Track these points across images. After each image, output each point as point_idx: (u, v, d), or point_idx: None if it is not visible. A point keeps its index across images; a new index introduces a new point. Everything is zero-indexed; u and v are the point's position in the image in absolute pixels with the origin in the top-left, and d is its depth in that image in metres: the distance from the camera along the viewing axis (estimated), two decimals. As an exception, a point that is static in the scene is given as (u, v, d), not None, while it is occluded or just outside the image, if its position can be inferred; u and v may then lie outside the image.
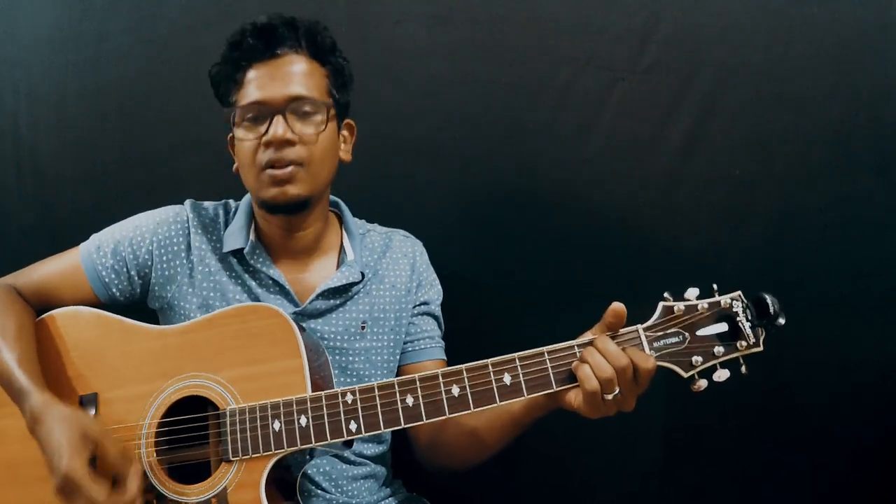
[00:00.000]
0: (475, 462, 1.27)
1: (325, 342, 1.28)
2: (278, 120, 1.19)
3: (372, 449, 1.35)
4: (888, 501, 1.60)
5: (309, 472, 1.27)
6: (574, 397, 1.04)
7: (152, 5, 1.72)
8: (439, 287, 1.42)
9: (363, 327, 1.31)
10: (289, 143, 1.19)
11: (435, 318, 1.40)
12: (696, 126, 1.58)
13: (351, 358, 1.30)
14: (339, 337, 1.30)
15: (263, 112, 1.20)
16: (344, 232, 1.37)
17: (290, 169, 1.20)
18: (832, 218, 1.57)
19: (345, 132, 1.33)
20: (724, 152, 1.58)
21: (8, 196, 1.80)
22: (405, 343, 1.36)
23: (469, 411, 1.03)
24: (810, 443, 1.60)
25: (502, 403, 1.04)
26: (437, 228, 1.63)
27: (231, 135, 1.29)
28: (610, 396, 1.01)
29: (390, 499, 1.36)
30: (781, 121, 1.56)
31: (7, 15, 1.78)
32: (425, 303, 1.38)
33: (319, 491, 1.28)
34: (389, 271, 1.36)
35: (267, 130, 1.19)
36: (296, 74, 1.22)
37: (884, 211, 1.56)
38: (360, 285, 1.32)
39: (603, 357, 1.01)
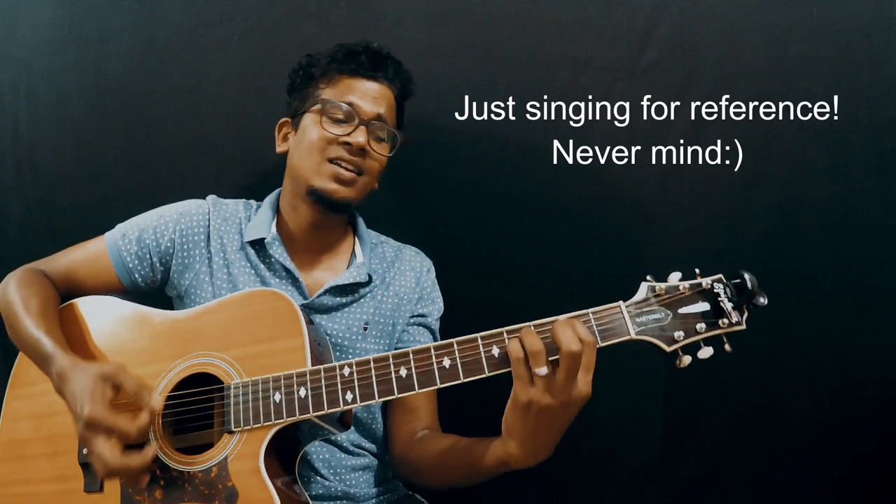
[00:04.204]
0: (434, 487, 1.32)
1: (328, 339, 1.31)
2: (363, 130, 1.31)
3: (369, 444, 1.38)
4: (888, 501, 1.60)
5: (308, 458, 1.30)
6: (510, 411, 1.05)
7: (152, 5, 1.72)
8: (441, 305, 1.45)
9: (365, 328, 1.36)
10: (363, 151, 1.30)
11: (430, 330, 1.43)
12: (695, 126, 1.58)
13: (350, 357, 1.32)
14: (341, 335, 1.34)
15: (352, 116, 1.31)
16: (357, 239, 1.44)
17: (353, 174, 1.31)
18: (831, 217, 1.57)
19: None
20: (724, 152, 1.58)
21: (8, 195, 1.80)
22: (396, 349, 1.36)
23: (459, 381, 1.06)
24: (809, 442, 1.61)
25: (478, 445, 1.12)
26: (437, 228, 1.63)
27: (284, 119, 1.39)
28: (541, 371, 1.00)
29: (388, 495, 1.38)
30: (780, 121, 1.56)
31: (7, 15, 1.78)
32: (423, 315, 1.42)
33: (319, 478, 1.31)
34: (396, 280, 1.41)
35: (350, 133, 1.29)
36: (384, 101, 1.35)
37: (882, 210, 1.56)
38: (367, 288, 1.38)
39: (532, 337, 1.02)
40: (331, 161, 1.30)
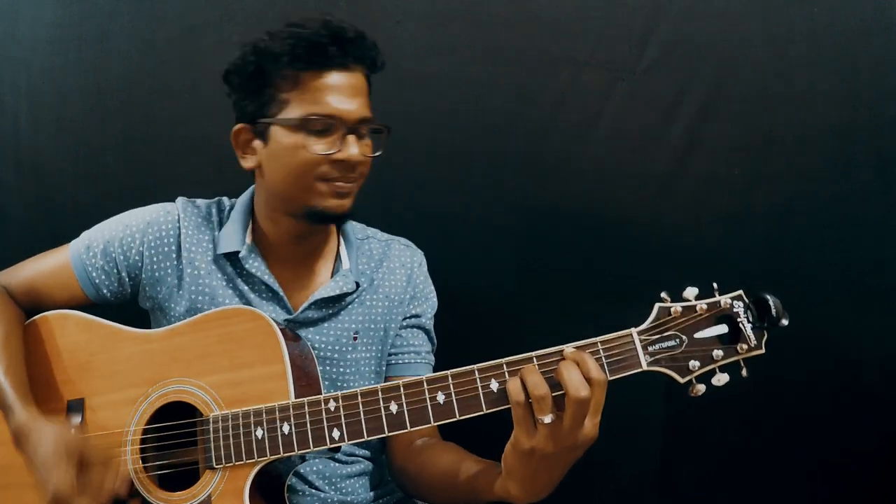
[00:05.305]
0: (431, 502, 1.26)
1: (316, 352, 1.25)
2: (352, 140, 1.16)
3: (362, 450, 1.33)
4: (888, 501, 1.60)
5: (302, 471, 1.26)
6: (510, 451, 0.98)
7: (152, 5, 1.72)
8: (435, 301, 1.38)
9: (355, 338, 1.28)
10: (359, 163, 1.18)
11: (425, 331, 1.36)
12: (695, 126, 1.58)
13: (341, 369, 1.28)
14: (330, 347, 1.27)
15: (335, 126, 1.15)
16: (341, 238, 1.34)
17: (352, 185, 1.19)
18: (831, 217, 1.57)
19: None
20: (724, 152, 1.58)
21: (8, 195, 1.80)
22: (390, 355, 1.33)
23: (454, 418, 0.99)
24: (809, 442, 1.61)
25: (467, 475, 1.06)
26: (436, 228, 1.63)
27: (241, 126, 1.21)
28: (546, 420, 0.93)
29: (387, 498, 1.35)
30: (781, 120, 1.56)
31: (7, 15, 1.78)
32: (416, 315, 1.34)
33: (313, 490, 1.26)
34: (385, 281, 1.32)
35: (341, 149, 1.15)
36: (362, 93, 1.18)
37: (882, 210, 1.56)
38: (355, 295, 1.29)
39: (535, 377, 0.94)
40: (323, 179, 1.16)
